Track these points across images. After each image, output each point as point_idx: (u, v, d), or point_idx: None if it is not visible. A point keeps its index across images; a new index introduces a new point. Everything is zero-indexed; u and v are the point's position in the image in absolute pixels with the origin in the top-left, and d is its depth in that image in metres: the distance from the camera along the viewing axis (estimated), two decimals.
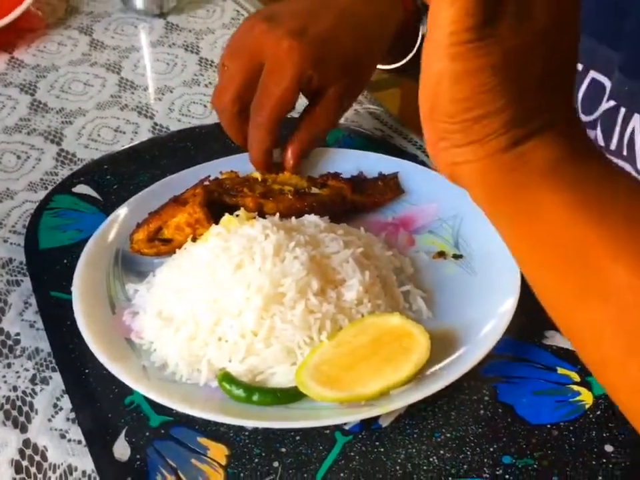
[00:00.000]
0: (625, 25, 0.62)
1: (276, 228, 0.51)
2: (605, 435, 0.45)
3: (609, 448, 0.44)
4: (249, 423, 0.45)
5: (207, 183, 0.58)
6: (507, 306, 0.50)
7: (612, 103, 0.63)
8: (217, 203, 0.56)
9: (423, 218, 0.60)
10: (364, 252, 0.53)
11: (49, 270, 0.58)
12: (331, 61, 0.60)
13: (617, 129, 0.62)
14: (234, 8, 0.97)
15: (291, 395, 0.46)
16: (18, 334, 0.54)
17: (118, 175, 0.67)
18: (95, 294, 0.53)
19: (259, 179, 0.59)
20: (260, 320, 0.47)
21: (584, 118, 0.67)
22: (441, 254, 0.57)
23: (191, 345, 0.48)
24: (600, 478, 0.43)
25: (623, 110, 0.62)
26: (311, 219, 0.55)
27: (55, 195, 0.65)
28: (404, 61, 0.70)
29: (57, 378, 0.51)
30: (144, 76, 0.85)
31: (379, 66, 0.70)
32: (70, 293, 0.53)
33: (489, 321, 0.50)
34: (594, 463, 0.44)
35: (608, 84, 0.63)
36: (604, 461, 0.44)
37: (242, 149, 0.63)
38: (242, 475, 0.44)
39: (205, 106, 0.78)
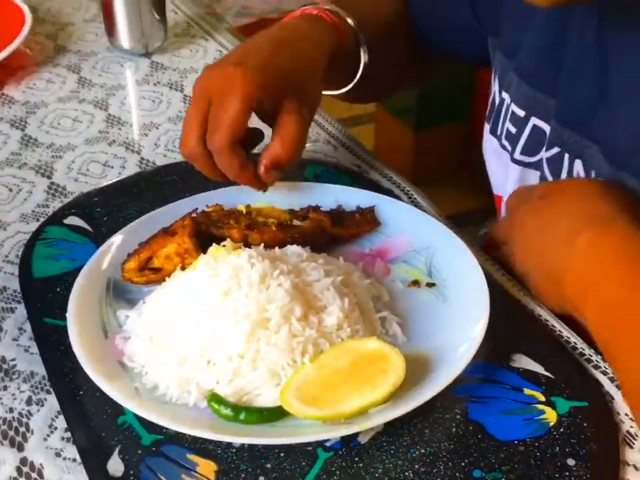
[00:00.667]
0: (560, 75, 0.67)
1: (261, 257, 0.55)
2: (567, 450, 0.48)
3: (571, 462, 0.48)
4: (236, 439, 0.48)
5: (194, 215, 0.61)
6: (476, 331, 0.53)
7: (556, 149, 0.68)
8: (204, 234, 0.60)
9: (398, 249, 0.64)
10: (343, 280, 0.56)
11: (42, 298, 0.61)
12: (274, 82, 0.63)
13: (565, 170, 0.67)
14: (216, 48, 1.01)
15: (275, 414, 0.49)
16: (14, 359, 0.57)
17: (107, 207, 0.70)
18: (87, 320, 0.56)
19: (244, 212, 0.62)
20: (247, 344, 0.51)
21: (529, 159, 0.72)
22: (415, 282, 0.60)
23: (181, 368, 0.51)
24: None
25: (566, 155, 0.66)
26: (293, 249, 0.59)
27: (47, 227, 0.68)
28: (349, 86, 0.75)
29: (51, 400, 0.53)
30: (130, 112, 0.89)
31: (326, 92, 0.75)
32: (63, 319, 0.56)
33: (460, 345, 0.53)
34: (557, 475, 0.47)
35: (548, 129, 0.68)
36: (566, 474, 0.47)
37: (225, 184, 0.66)
38: None
39: None
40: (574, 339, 0.57)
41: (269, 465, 0.48)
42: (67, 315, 0.55)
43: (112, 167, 0.78)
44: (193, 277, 0.55)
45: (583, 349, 0.56)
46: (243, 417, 0.49)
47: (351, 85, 0.76)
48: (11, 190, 0.75)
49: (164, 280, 0.58)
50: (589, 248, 0.52)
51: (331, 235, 0.63)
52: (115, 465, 0.48)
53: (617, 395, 0.52)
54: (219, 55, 0.99)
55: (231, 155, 0.60)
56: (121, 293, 0.59)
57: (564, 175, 0.66)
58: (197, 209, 0.63)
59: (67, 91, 0.92)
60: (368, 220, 0.65)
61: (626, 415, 0.51)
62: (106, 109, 0.88)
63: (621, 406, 0.52)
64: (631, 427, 0.50)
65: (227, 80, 0.61)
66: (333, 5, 0.75)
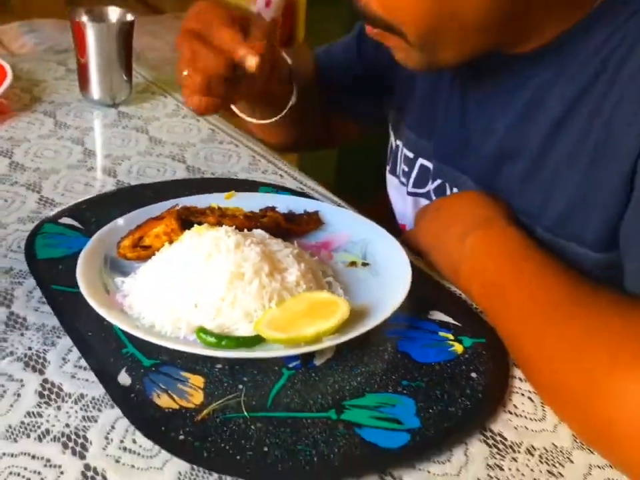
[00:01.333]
0: (435, 126, 0.87)
1: (234, 232, 0.70)
2: (470, 367, 0.64)
3: (473, 375, 0.63)
4: (220, 354, 0.62)
5: (176, 207, 0.76)
6: (402, 293, 0.69)
7: (439, 181, 0.87)
8: (185, 222, 0.75)
9: (339, 241, 0.80)
10: (299, 253, 0.72)
11: (48, 271, 0.73)
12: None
13: None
14: (174, 102, 1.17)
15: (250, 340, 0.63)
16: (24, 317, 0.69)
17: (95, 212, 0.84)
18: (92, 280, 0.69)
19: (216, 207, 0.77)
20: (226, 291, 0.65)
21: (420, 191, 0.91)
22: (353, 263, 0.76)
23: (173, 311, 0.65)
24: (468, 391, 0.61)
25: (447, 184, 0.86)
26: (258, 231, 0.74)
27: (44, 224, 0.81)
28: (281, 114, 0.92)
29: (62, 341, 0.66)
30: (104, 147, 1.03)
31: (258, 121, 0.92)
32: (69, 286, 0.69)
33: (389, 301, 0.69)
34: (463, 384, 0.62)
35: (431, 166, 0.88)
36: (470, 383, 0.63)
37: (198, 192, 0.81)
38: (216, 393, 0.60)
39: (159, 170, 0.97)
40: (470, 300, 0.74)
41: (245, 379, 0.62)
42: (76, 274, 0.68)
43: (93, 186, 0.92)
44: (180, 246, 0.69)
45: (476, 307, 0.73)
46: (225, 343, 0.63)
47: (280, 115, 0.92)
48: (6, 200, 0.88)
49: (154, 255, 0.72)
50: (474, 245, 0.72)
51: (284, 229, 0.79)
52: (124, 379, 0.61)
53: None
54: (177, 107, 1.16)
55: (230, 28, 0.73)
56: (116, 267, 0.73)
57: None
58: (177, 204, 0.77)
59: (46, 130, 1.06)
60: (314, 220, 0.81)
61: None
62: (82, 144, 1.03)
63: None
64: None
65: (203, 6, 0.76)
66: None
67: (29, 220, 0.84)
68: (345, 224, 0.81)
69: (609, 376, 0.53)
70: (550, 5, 0.70)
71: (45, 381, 0.62)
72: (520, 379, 0.64)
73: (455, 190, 0.85)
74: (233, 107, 0.92)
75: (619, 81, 0.67)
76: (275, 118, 0.92)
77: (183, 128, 1.09)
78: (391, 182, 0.97)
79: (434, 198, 0.89)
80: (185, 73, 0.74)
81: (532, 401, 0.62)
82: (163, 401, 0.59)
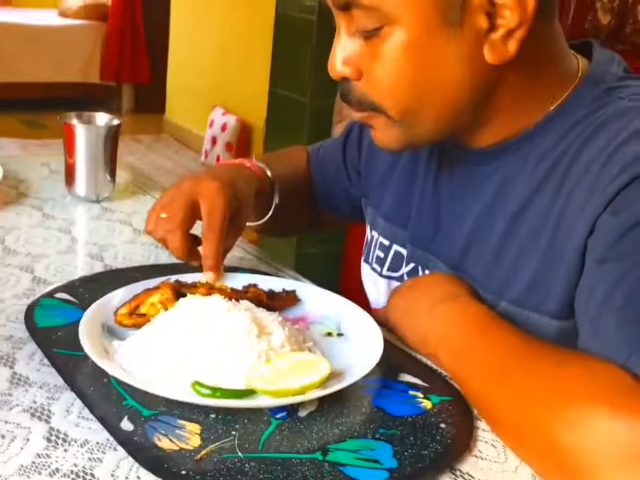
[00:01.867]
0: (410, 215, 0.97)
1: (225, 300, 0.77)
2: (439, 420, 0.71)
3: (442, 425, 0.71)
4: (214, 402, 0.68)
5: (170, 280, 0.83)
6: (375, 356, 0.77)
7: (412, 264, 0.97)
8: (178, 293, 0.82)
9: (314, 316, 0.88)
10: (281, 320, 0.79)
11: (49, 337, 0.79)
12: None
13: None
14: (154, 200, 1.26)
15: (242, 393, 0.70)
16: (27, 376, 0.74)
17: (89, 289, 0.90)
18: (94, 343, 0.75)
19: (205, 282, 0.85)
20: (220, 349, 0.72)
21: (394, 275, 1.00)
22: (329, 334, 0.84)
23: (170, 367, 0.71)
24: (438, 438, 0.69)
25: (419, 267, 0.96)
26: (244, 301, 0.82)
27: (41, 299, 0.87)
28: (264, 219, 1.02)
29: (64, 396, 0.71)
30: (91, 236, 1.11)
31: (247, 223, 1.03)
32: (70, 349, 0.75)
33: (364, 363, 0.76)
34: (434, 432, 0.70)
35: (404, 252, 0.98)
36: (440, 431, 0.70)
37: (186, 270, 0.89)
38: (211, 438, 0.66)
39: (143, 255, 1.05)
40: (437, 367, 0.82)
41: (237, 426, 0.68)
42: (79, 336, 0.74)
43: (83, 269, 0.99)
44: (176, 311, 0.77)
45: (442, 372, 0.81)
46: (219, 394, 0.69)
47: (265, 219, 1.03)
48: (1, 279, 0.94)
49: (149, 322, 0.79)
50: (442, 315, 0.81)
51: (265, 305, 0.86)
52: (126, 426, 0.66)
53: None
54: None
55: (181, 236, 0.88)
56: (113, 333, 0.79)
57: None
58: (169, 277, 0.85)
59: (35, 221, 1.13)
60: (291, 297, 0.89)
61: None
62: (70, 233, 1.10)
63: None
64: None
65: (214, 189, 0.89)
66: (260, 160, 1.05)
67: (24, 296, 0.90)
68: (319, 300, 0.89)
69: (566, 411, 0.61)
70: (511, 104, 0.81)
71: (51, 428, 0.67)
72: (484, 429, 0.72)
73: (426, 272, 0.94)
74: None
75: (572, 173, 0.78)
76: (258, 223, 1.02)
77: None
78: (364, 269, 1.06)
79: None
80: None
81: (495, 447, 0.70)
82: (164, 443, 0.65)
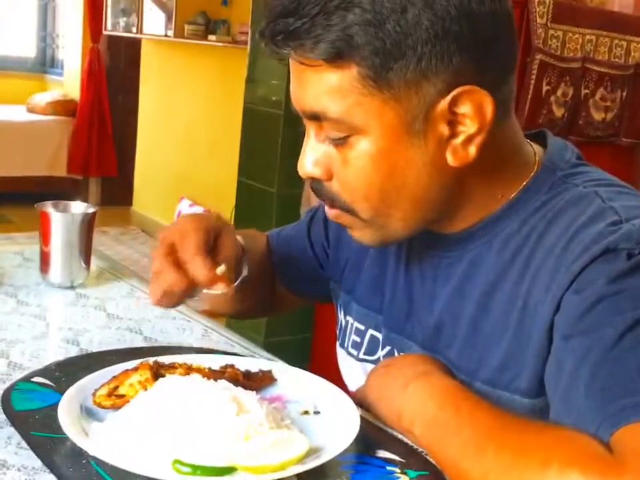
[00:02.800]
0: (384, 299, 1.00)
1: (206, 378, 0.79)
2: None
3: None
4: None
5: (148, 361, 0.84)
6: (352, 433, 0.78)
7: (388, 347, 0.99)
8: (157, 374, 0.83)
9: (290, 395, 0.89)
10: (259, 399, 0.80)
11: (26, 421, 0.79)
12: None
13: None
14: (128, 286, 1.28)
15: (223, 470, 0.70)
16: (5, 460, 0.74)
17: (65, 372, 0.90)
18: (73, 424, 0.75)
19: (183, 363, 0.86)
20: (200, 428, 0.73)
21: (370, 358, 1.02)
22: (306, 412, 0.85)
23: (151, 446, 0.72)
24: None
25: (395, 350, 0.98)
26: (222, 381, 0.83)
27: (18, 383, 0.88)
28: (233, 285, 1.03)
29: (43, 478, 0.71)
30: (66, 321, 1.11)
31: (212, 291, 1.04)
32: (47, 432, 0.75)
33: (341, 440, 0.77)
34: None
35: (380, 336, 1.00)
36: None
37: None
38: None
39: (119, 339, 1.05)
40: (412, 442, 0.83)
41: None
42: (59, 419, 0.75)
43: (58, 354, 1.00)
44: (155, 391, 0.77)
45: (418, 447, 0.82)
46: (199, 472, 0.70)
47: (233, 285, 1.04)
48: None
49: (128, 403, 0.79)
50: (416, 391, 0.83)
51: (242, 384, 0.87)
52: None
53: None
54: (131, 290, 1.26)
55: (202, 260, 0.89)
56: (92, 415, 0.80)
57: None
58: (147, 359, 0.86)
59: (9, 308, 1.14)
60: (267, 377, 0.91)
61: None
62: (44, 319, 1.11)
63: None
64: None
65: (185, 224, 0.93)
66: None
67: (0, 381, 0.90)
68: (295, 380, 0.91)
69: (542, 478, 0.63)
70: (475, 196, 0.86)
71: None
72: None
73: (401, 354, 0.97)
74: None
75: (537, 255, 0.82)
76: (228, 290, 1.04)
77: (138, 306, 1.19)
78: (340, 354, 1.08)
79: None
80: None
81: None
82: None
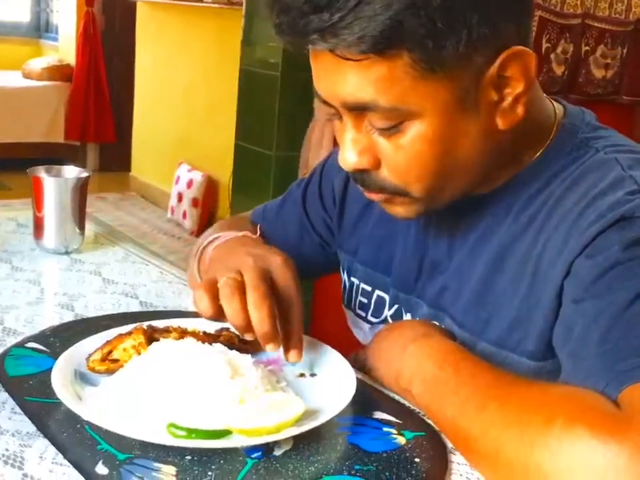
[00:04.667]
0: (393, 260, 0.99)
1: (201, 342, 0.78)
2: (414, 454, 0.72)
3: (417, 460, 0.71)
4: (191, 444, 0.68)
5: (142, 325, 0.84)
6: (348, 395, 0.78)
7: (396, 306, 0.98)
8: (151, 338, 0.82)
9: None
10: (254, 362, 0.80)
11: (20, 386, 0.79)
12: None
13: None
14: (123, 250, 1.27)
15: (217, 433, 0.70)
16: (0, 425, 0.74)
17: (59, 338, 0.90)
18: (67, 389, 0.75)
19: (177, 327, 0.85)
20: (194, 391, 0.72)
21: (377, 320, 1.01)
22: (302, 375, 0.85)
23: (145, 410, 0.71)
24: (413, 472, 0.69)
25: (402, 310, 0.97)
26: (217, 344, 0.82)
27: (12, 349, 0.87)
28: None
29: (38, 442, 0.70)
30: (60, 287, 1.10)
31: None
32: (41, 397, 0.75)
33: (337, 402, 0.77)
34: (409, 467, 0.70)
35: (387, 297, 0.99)
36: (415, 466, 0.70)
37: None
38: (188, 479, 0.66)
39: (113, 304, 1.05)
40: (408, 403, 0.82)
41: (214, 467, 0.68)
42: (52, 383, 0.74)
43: (53, 319, 0.99)
44: (149, 355, 0.77)
45: (415, 408, 0.81)
46: (194, 435, 0.69)
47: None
48: None
49: (122, 368, 0.79)
50: (415, 351, 0.82)
51: (237, 348, 0.87)
52: (101, 470, 0.66)
53: None
54: (126, 255, 1.25)
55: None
56: (86, 379, 0.79)
57: None
58: (142, 323, 0.85)
59: (3, 274, 1.13)
60: None
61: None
62: (39, 285, 1.10)
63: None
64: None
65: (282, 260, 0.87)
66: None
67: None
68: None
69: (546, 434, 0.62)
70: (505, 156, 0.84)
71: (25, 475, 0.66)
72: (458, 463, 0.73)
73: (408, 315, 0.96)
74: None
75: (552, 220, 0.82)
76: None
77: (133, 271, 1.18)
78: (349, 315, 1.07)
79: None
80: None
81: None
82: None
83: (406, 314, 0.97)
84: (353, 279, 1.07)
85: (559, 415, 0.63)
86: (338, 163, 0.83)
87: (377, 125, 0.78)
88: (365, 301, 1.04)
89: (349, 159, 0.80)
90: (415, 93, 0.74)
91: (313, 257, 1.13)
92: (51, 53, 6.14)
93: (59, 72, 5.76)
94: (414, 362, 0.81)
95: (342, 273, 1.11)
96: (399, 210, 0.86)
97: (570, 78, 2.52)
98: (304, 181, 1.13)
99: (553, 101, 0.90)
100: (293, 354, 0.83)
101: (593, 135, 0.86)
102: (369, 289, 1.03)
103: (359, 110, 0.77)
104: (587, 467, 0.60)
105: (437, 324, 0.90)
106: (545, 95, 0.89)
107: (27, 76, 5.80)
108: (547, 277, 0.79)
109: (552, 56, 2.43)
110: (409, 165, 0.79)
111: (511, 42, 0.76)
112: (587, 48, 2.52)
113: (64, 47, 5.94)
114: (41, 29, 6.44)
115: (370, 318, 1.03)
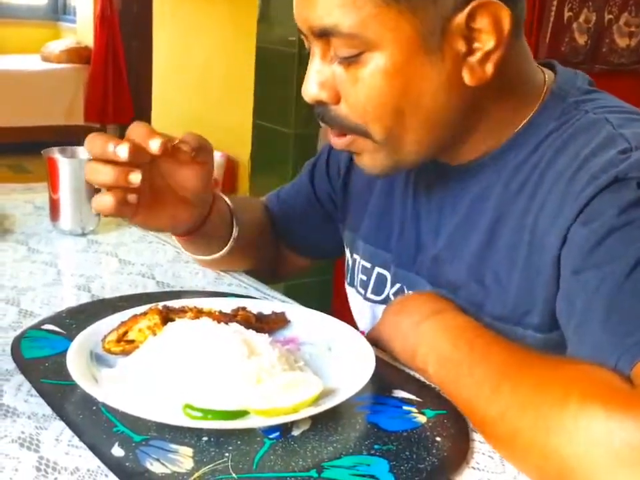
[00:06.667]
0: (392, 236, 0.97)
1: (216, 322, 0.77)
2: (434, 433, 0.71)
3: (438, 439, 0.70)
4: (206, 425, 0.67)
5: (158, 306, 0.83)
6: (367, 373, 0.76)
7: (398, 285, 0.97)
8: (166, 318, 0.81)
9: (304, 337, 0.87)
10: (271, 341, 0.78)
11: (36, 368, 0.78)
12: None
13: None
14: (139, 231, 1.26)
15: (235, 414, 0.69)
16: (15, 407, 0.73)
17: (75, 319, 0.89)
18: (83, 371, 0.74)
19: (193, 307, 0.84)
20: (210, 371, 0.71)
21: (377, 298, 1.00)
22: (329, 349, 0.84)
23: (161, 392, 0.70)
24: (434, 451, 0.68)
25: (405, 288, 0.95)
26: (233, 324, 0.81)
27: (28, 331, 0.86)
28: (222, 252, 1.02)
29: (54, 425, 0.70)
30: (77, 268, 1.10)
31: (203, 257, 1.03)
32: (57, 379, 0.74)
33: (356, 381, 0.75)
34: (429, 446, 0.69)
35: (387, 274, 0.98)
36: (436, 445, 0.69)
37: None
38: (204, 460, 0.65)
39: (130, 285, 1.04)
40: (427, 380, 0.81)
41: (230, 447, 0.67)
42: (67, 366, 0.73)
43: (69, 300, 0.98)
44: (165, 335, 0.76)
45: (435, 386, 0.80)
46: (210, 416, 0.68)
47: (221, 253, 1.03)
48: None
49: (137, 349, 0.78)
50: (429, 329, 0.81)
51: (254, 327, 0.85)
52: (117, 452, 0.65)
53: None
54: (142, 235, 1.24)
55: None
56: (102, 361, 0.78)
57: None
58: (157, 304, 0.84)
59: (20, 255, 1.12)
60: (281, 319, 0.89)
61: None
62: (56, 266, 1.09)
63: None
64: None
65: None
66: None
67: (11, 329, 0.89)
68: (309, 321, 0.88)
69: (561, 416, 0.60)
70: (486, 122, 0.83)
71: (41, 457, 0.65)
72: (480, 441, 0.71)
73: (410, 292, 0.94)
74: (178, 243, 1.02)
75: (544, 185, 0.79)
76: (218, 255, 1.01)
77: (150, 251, 1.17)
78: (350, 293, 1.06)
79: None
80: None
81: (492, 458, 0.69)
82: (156, 467, 0.63)
83: (408, 292, 0.96)
84: (355, 255, 1.06)
85: (573, 393, 0.61)
86: None
87: (339, 53, 0.78)
88: (365, 277, 1.02)
89: (310, 89, 0.81)
90: (377, 21, 0.74)
91: (321, 233, 1.13)
92: (69, 35, 6.14)
93: (77, 54, 5.76)
94: (429, 340, 0.80)
95: (346, 251, 1.10)
96: (366, 160, 0.85)
97: (593, 47, 2.47)
98: (314, 157, 1.13)
99: (543, 68, 0.88)
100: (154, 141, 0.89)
101: (583, 99, 0.84)
102: (368, 265, 1.02)
103: (322, 36, 0.78)
104: (604, 447, 0.58)
105: (446, 297, 0.88)
106: (534, 61, 0.87)
107: (45, 59, 5.81)
108: (544, 246, 0.77)
109: (574, 25, 2.38)
110: (367, 100, 0.78)
111: None
112: (610, 16, 2.47)
113: (82, 29, 5.94)
114: (58, 11, 6.44)
115: (370, 295, 1.01)
